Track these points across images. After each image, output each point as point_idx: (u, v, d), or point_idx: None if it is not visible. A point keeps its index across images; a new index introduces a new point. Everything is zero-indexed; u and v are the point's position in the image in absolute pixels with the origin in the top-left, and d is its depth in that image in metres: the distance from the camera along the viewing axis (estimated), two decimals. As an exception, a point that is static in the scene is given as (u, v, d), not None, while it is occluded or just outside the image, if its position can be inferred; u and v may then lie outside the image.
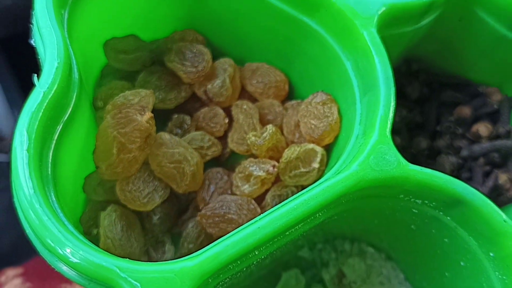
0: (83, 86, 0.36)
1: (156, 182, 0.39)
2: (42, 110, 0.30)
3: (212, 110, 0.46)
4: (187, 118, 0.46)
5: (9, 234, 0.59)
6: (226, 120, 0.45)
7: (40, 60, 0.34)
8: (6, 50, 0.64)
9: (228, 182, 0.42)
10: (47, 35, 0.33)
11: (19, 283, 0.52)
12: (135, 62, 0.45)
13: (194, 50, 0.45)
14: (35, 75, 0.32)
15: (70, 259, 0.27)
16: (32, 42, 0.35)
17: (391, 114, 0.34)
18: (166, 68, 0.45)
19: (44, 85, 0.31)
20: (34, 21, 0.34)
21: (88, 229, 0.38)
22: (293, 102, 0.46)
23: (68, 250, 0.27)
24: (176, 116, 0.46)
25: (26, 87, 0.61)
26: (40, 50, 0.34)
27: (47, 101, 0.30)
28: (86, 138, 0.38)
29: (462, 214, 0.33)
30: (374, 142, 0.33)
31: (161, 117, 0.45)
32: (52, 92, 0.31)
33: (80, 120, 0.36)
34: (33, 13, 0.34)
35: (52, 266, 0.29)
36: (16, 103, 0.62)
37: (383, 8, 0.38)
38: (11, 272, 0.54)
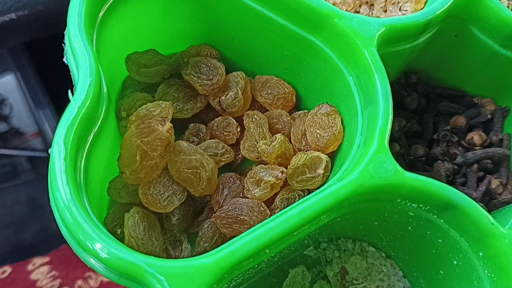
0: (110, 99, 0.38)
1: (175, 186, 0.41)
2: (76, 123, 0.32)
3: (225, 119, 0.47)
4: (203, 127, 0.47)
5: (31, 226, 0.60)
6: (238, 129, 0.47)
7: (73, 77, 0.35)
8: (32, 52, 0.66)
9: (240, 186, 0.44)
10: (80, 55, 0.34)
11: (46, 271, 0.53)
12: (154, 75, 0.46)
13: (209, 64, 0.46)
14: (70, 90, 0.34)
15: (100, 255, 0.29)
16: (65, 60, 0.36)
17: (389, 126, 0.36)
18: (183, 81, 0.47)
19: (78, 101, 0.33)
20: (67, 42, 0.36)
21: (113, 229, 0.40)
22: (300, 112, 0.48)
23: (99, 246, 0.29)
24: (192, 125, 0.47)
25: (50, 87, 0.63)
26: (72, 68, 0.35)
27: (81, 115, 0.32)
28: (111, 145, 0.40)
29: (454, 217, 0.35)
30: (373, 151, 0.35)
31: (179, 126, 0.47)
32: (85, 107, 0.33)
33: (108, 130, 0.38)
34: (66, 34, 0.36)
35: (85, 262, 0.31)
36: (40, 102, 0.64)
37: (383, 29, 0.39)
38: (38, 260, 0.55)
